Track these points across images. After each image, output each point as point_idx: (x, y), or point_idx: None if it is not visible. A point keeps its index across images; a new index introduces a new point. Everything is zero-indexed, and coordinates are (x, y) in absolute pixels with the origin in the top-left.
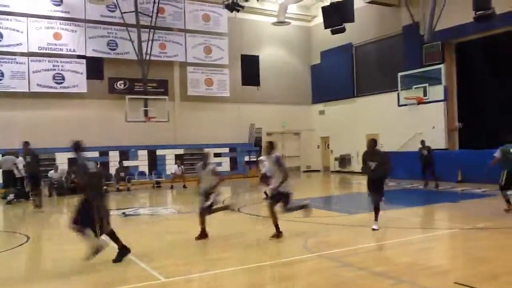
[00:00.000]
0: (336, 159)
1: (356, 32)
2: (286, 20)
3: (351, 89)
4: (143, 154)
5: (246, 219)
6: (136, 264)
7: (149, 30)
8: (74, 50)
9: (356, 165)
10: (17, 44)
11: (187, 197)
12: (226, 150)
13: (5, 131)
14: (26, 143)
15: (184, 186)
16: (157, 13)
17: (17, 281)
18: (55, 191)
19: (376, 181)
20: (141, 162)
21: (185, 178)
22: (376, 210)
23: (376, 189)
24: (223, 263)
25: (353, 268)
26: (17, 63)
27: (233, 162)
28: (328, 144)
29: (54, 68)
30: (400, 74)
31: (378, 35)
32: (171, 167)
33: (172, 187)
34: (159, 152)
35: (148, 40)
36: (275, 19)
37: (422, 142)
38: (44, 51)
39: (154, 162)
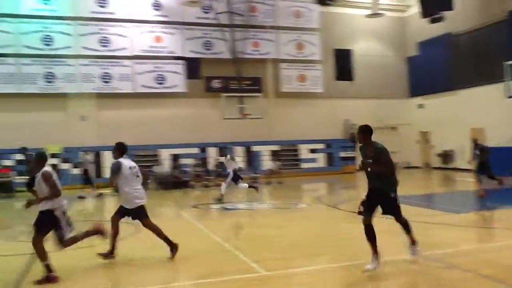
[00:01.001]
0: (438, 155)
1: (456, 20)
2: (380, 11)
3: (452, 81)
4: (239, 150)
5: (344, 216)
6: (236, 256)
7: (242, 29)
8: (173, 52)
9: (461, 161)
10: (123, 49)
11: (282, 192)
12: (322, 146)
13: (114, 129)
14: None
15: (280, 182)
16: (249, 12)
17: (121, 267)
18: (160, 185)
19: (377, 192)
20: (237, 158)
21: (281, 173)
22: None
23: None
24: (321, 259)
25: (458, 270)
26: (123, 66)
27: (329, 158)
28: (428, 139)
29: (156, 69)
30: (507, 63)
31: (479, 22)
32: (267, 163)
33: (268, 183)
34: (254, 148)
35: (241, 39)
36: (368, 11)
37: None
38: (146, 53)
39: (250, 158)
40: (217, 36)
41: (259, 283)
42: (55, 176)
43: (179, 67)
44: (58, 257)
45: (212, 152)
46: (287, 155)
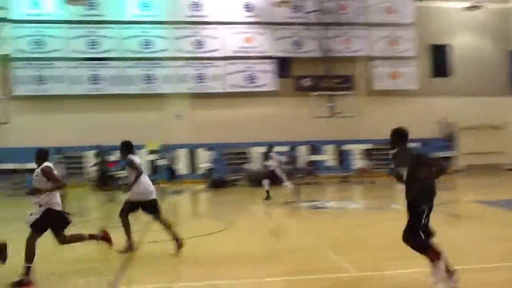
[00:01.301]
0: None
1: None
2: (479, 3)
3: None
4: (330, 148)
5: (440, 218)
6: (326, 255)
7: (332, 27)
8: (263, 52)
9: None
10: (215, 50)
11: (375, 193)
12: (416, 145)
13: (206, 128)
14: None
15: (372, 182)
16: (339, 9)
17: (214, 262)
18: (252, 182)
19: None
20: (328, 157)
21: (373, 173)
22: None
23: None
24: (413, 262)
25: None
26: (215, 66)
27: None
28: None
29: (246, 69)
30: None
31: None
32: (359, 162)
33: (359, 182)
34: (345, 146)
35: (332, 37)
36: (466, 4)
37: None
38: (237, 54)
39: (341, 156)
40: (307, 34)
41: (350, 283)
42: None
43: (269, 66)
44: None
45: (302, 151)
46: (379, 154)
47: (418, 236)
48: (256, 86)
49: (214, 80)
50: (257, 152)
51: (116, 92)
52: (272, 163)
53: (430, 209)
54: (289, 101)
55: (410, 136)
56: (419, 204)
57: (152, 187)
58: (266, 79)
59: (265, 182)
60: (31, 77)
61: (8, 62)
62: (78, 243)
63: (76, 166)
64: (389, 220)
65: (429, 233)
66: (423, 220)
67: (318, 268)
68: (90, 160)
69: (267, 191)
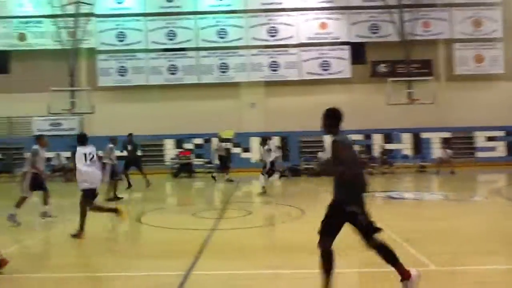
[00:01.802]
0: None
1: None
2: None
3: None
4: (406, 137)
5: None
6: (402, 247)
7: (411, 9)
8: (338, 38)
9: None
10: (289, 37)
11: (455, 184)
12: (501, 133)
13: (280, 115)
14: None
15: (452, 172)
16: None
17: (284, 251)
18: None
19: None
20: (405, 145)
21: (453, 163)
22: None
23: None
24: (495, 259)
25: None
26: (289, 54)
27: (510, 147)
28: None
29: (321, 56)
30: None
31: None
32: (437, 151)
33: (438, 172)
34: (423, 135)
35: (410, 19)
36: None
37: None
38: (312, 41)
39: (418, 145)
40: (384, 18)
41: (428, 277)
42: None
43: (344, 52)
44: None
45: (377, 139)
46: (460, 143)
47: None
48: (330, 73)
49: (288, 67)
50: (332, 140)
51: (192, 81)
52: (272, 155)
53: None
54: (364, 88)
55: (494, 124)
56: (346, 205)
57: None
58: (341, 65)
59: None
60: (114, 69)
61: (94, 55)
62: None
63: (156, 153)
64: (470, 213)
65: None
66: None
67: None
68: (169, 148)
69: (263, 187)
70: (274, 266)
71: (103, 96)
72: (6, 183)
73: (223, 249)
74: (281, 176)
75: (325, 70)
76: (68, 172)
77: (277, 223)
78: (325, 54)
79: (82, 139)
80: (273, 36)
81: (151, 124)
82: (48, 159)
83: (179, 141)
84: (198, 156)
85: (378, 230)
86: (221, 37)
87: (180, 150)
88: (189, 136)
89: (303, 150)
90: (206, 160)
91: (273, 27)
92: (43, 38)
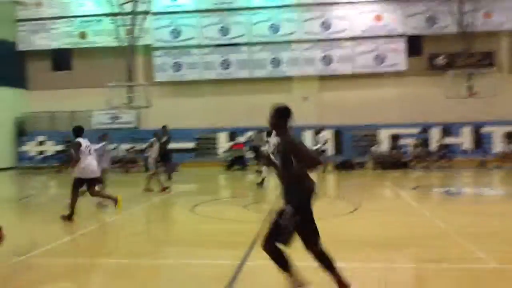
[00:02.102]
0: None
1: None
2: None
3: None
4: (466, 131)
5: None
6: (460, 244)
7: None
8: (393, 30)
9: None
10: (343, 31)
11: None
12: None
13: (333, 109)
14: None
15: None
16: None
17: (340, 245)
18: (379, 165)
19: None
20: (464, 140)
21: None
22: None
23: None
24: None
25: None
26: (342, 47)
27: None
28: None
29: (375, 49)
30: None
31: None
32: (499, 146)
33: (499, 167)
34: (484, 129)
35: (471, 10)
36: None
37: None
38: (366, 34)
39: (479, 139)
40: (442, 9)
41: (490, 275)
42: None
43: (400, 45)
44: None
45: (435, 133)
46: None
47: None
48: (385, 66)
49: (342, 61)
50: (386, 134)
51: (244, 76)
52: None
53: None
54: (420, 81)
55: None
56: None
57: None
58: (396, 58)
59: (264, 169)
60: (169, 65)
61: (150, 51)
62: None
63: (209, 146)
64: None
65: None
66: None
67: (451, 257)
68: (222, 142)
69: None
70: None
71: (159, 91)
72: (68, 173)
73: None
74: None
75: (380, 63)
76: (126, 163)
77: (329, 217)
78: (380, 47)
79: (80, 132)
80: (326, 30)
81: (204, 117)
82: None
83: (232, 134)
84: (250, 149)
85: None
86: (274, 32)
87: (233, 143)
88: (242, 129)
89: (356, 144)
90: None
91: (326, 20)
92: (102, 36)
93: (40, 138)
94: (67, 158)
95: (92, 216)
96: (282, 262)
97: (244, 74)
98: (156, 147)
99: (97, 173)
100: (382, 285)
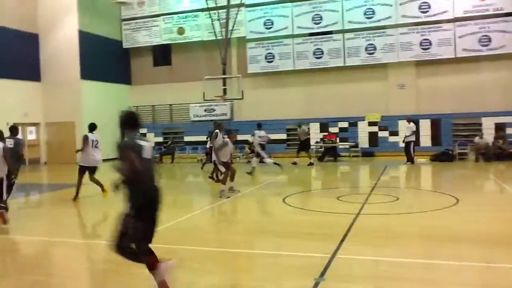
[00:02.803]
0: None
1: None
2: None
3: None
4: None
5: None
6: None
7: None
8: (501, 9)
9: None
10: (443, 12)
11: None
12: None
13: (432, 97)
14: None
15: None
16: None
17: (438, 240)
18: (481, 156)
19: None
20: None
21: None
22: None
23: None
24: None
25: None
26: (443, 30)
27: None
28: None
29: (480, 30)
30: None
31: None
32: None
33: None
34: None
35: None
36: None
37: None
38: (469, 14)
39: None
40: None
41: None
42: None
43: (508, 25)
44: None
45: None
46: None
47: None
48: (490, 49)
49: (441, 45)
50: (489, 123)
51: (338, 64)
52: (254, 140)
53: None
54: None
55: None
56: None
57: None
58: (504, 40)
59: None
60: (262, 56)
61: (244, 43)
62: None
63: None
64: None
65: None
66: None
67: None
68: (314, 132)
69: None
70: (423, 255)
71: (252, 83)
72: (168, 164)
73: (368, 234)
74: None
75: (485, 45)
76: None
77: (427, 210)
78: (485, 28)
79: (92, 127)
80: (424, 12)
81: (296, 108)
82: (200, 143)
83: (324, 125)
84: (343, 139)
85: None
86: (368, 17)
87: (325, 133)
88: (334, 119)
89: (457, 133)
90: (351, 143)
91: (425, 2)
92: (198, 30)
93: (142, 131)
94: (166, 150)
95: (189, 204)
96: (140, 260)
97: (337, 62)
98: (219, 138)
99: (98, 163)
100: (479, 286)
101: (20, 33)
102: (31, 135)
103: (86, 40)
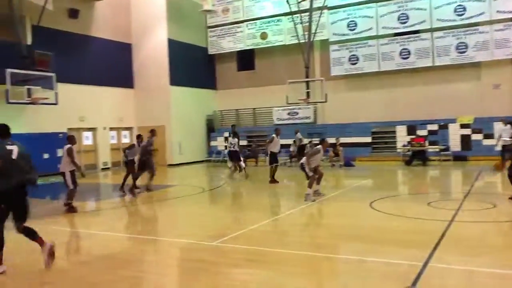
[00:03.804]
0: None
1: None
2: None
3: None
4: None
5: None
6: None
7: None
8: None
9: None
10: None
11: None
12: None
13: None
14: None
15: None
16: None
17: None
18: None
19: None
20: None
21: None
22: None
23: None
24: None
25: None
26: None
27: None
28: None
29: None
30: None
31: None
32: None
33: None
34: None
35: None
36: None
37: None
38: None
39: None
40: None
41: None
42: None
43: None
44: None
45: None
46: None
47: None
48: None
49: None
50: None
51: (426, 64)
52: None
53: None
54: None
55: None
56: None
57: None
58: None
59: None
60: (345, 58)
61: (327, 46)
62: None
63: (388, 140)
64: None
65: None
66: None
67: None
68: (400, 135)
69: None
70: None
71: (335, 85)
72: (252, 167)
73: (462, 243)
74: None
75: None
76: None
77: None
78: None
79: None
80: None
81: (382, 110)
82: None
83: (412, 128)
84: (432, 143)
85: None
86: (459, 14)
87: (413, 136)
88: (422, 122)
89: None
90: (441, 147)
91: None
92: (281, 35)
93: (226, 134)
94: (252, 153)
95: (274, 207)
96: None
97: (425, 62)
98: (275, 142)
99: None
100: None
101: (115, 43)
102: (125, 139)
103: (174, 47)
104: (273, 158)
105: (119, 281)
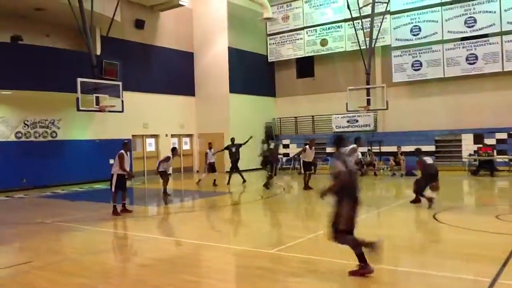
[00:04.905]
0: None
1: None
2: None
3: None
4: None
5: None
6: None
7: None
8: None
9: None
10: None
11: None
12: None
13: None
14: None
15: None
16: None
17: None
18: None
19: None
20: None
21: None
22: None
23: None
24: None
25: None
26: None
27: None
28: None
29: None
30: None
31: None
32: None
33: None
34: None
35: None
36: None
37: None
38: None
39: None
40: None
41: None
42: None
43: None
44: None
45: None
46: None
47: None
48: None
49: None
50: None
51: (495, 70)
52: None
53: None
54: None
55: None
56: None
57: None
58: None
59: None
60: (408, 64)
61: (388, 51)
62: None
63: (452, 149)
64: None
65: None
66: None
67: None
68: (466, 144)
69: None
70: None
71: (396, 92)
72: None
73: None
74: None
75: None
76: (364, 166)
77: None
78: None
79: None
80: None
81: (446, 118)
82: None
83: (478, 136)
84: (501, 152)
85: None
86: None
87: (481, 145)
88: (490, 130)
89: None
90: (511, 157)
91: None
92: (341, 41)
93: (285, 141)
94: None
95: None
96: None
97: (494, 68)
98: (308, 152)
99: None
100: None
101: (178, 52)
102: (185, 145)
103: (234, 55)
104: (306, 166)
105: (179, 285)
